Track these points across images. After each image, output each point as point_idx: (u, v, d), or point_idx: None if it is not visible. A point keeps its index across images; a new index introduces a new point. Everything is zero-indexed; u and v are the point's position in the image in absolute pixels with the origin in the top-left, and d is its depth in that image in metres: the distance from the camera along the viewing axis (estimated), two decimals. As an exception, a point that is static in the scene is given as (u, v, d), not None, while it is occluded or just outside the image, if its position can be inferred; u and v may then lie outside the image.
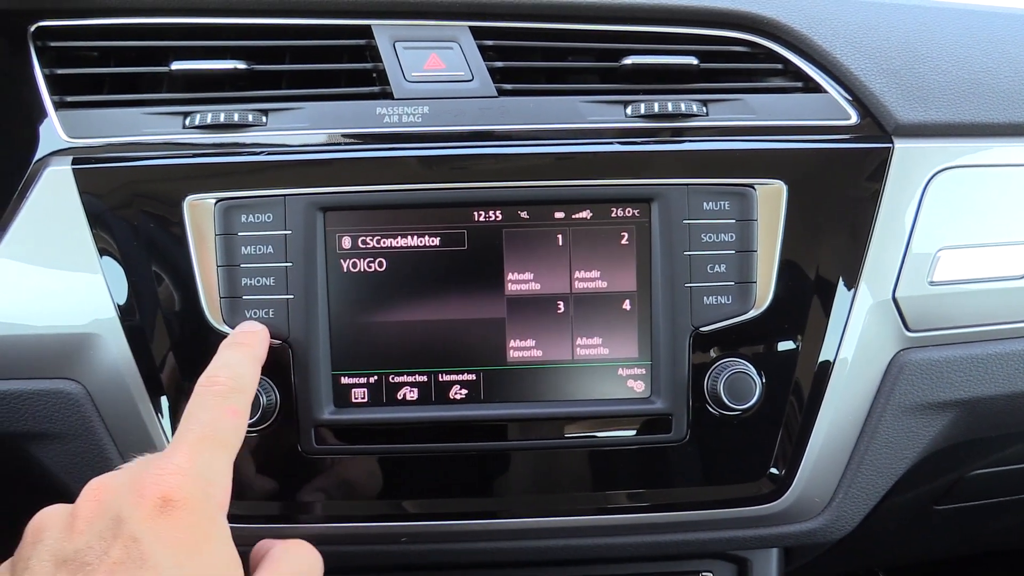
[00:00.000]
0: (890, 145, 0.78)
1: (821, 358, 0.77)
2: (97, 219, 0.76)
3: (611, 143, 0.77)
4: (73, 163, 0.76)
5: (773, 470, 0.78)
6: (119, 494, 0.52)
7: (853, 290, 0.77)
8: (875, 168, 0.78)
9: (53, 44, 0.80)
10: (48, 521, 0.53)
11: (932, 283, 0.78)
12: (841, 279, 0.77)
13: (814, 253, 0.77)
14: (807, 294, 0.77)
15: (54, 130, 0.78)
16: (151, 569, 0.48)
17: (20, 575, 0.51)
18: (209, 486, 0.54)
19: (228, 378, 0.62)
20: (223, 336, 0.74)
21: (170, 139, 0.78)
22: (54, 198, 0.76)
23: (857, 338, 0.77)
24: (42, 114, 0.79)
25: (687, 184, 0.75)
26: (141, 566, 0.48)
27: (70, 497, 0.80)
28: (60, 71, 0.80)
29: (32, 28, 0.80)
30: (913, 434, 0.81)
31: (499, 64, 0.80)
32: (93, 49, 0.82)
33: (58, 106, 0.79)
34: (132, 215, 0.75)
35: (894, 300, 0.78)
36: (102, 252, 0.76)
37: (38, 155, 0.78)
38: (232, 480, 0.57)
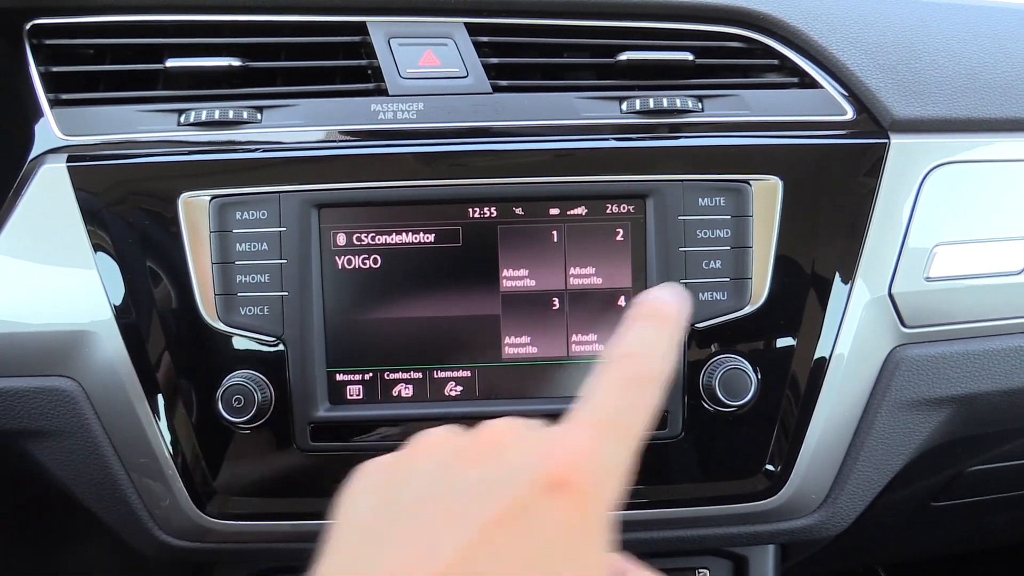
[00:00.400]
0: (886, 141, 0.78)
1: (817, 354, 0.77)
2: (92, 217, 0.76)
3: (606, 139, 0.77)
4: (68, 161, 0.76)
5: (769, 466, 0.78)
6: (517, 451, 0.47)
7: (849, 286, 0.77)
8: (871, 164, 0.78)
9: (48, 42, 0.80)
10: (441, 442, 0.49)
11: (928, 279, 0.78)
12: (837, 275, 0.77)
13: (810, 249, 0.77)
14: (803, 290, 0.77)
15: (49, 128, 0.78)
16: (525, 535, 0.43)
17: (400, 485, 0.47)
18: (608, 477, 0.47)
19: (648, 360, 0.52)
20: (218, 333, 0.74)
21: (165, 136, 0.78)
22: (49, 196, 0.76)
23: (853, 334, 0.77)
24: (37, 112, 0.79)
25: (682, 180, 0.75)
26: (517, 529, 0.43)
27: (69, 494, 0.81)
28: (55, 69, 0.80)
29: (28, 26, 0.80)
30: (909, 430, 0.81)
31: (494, 60, 0.79)
32: (88, 47, 0.82)
33: (53, 104, 0.79)
34: (127, 212, 0.75)
35: (890, 296, 0.78)
36: (97, 249, 0.76)
37: (33, 153, 0.78)
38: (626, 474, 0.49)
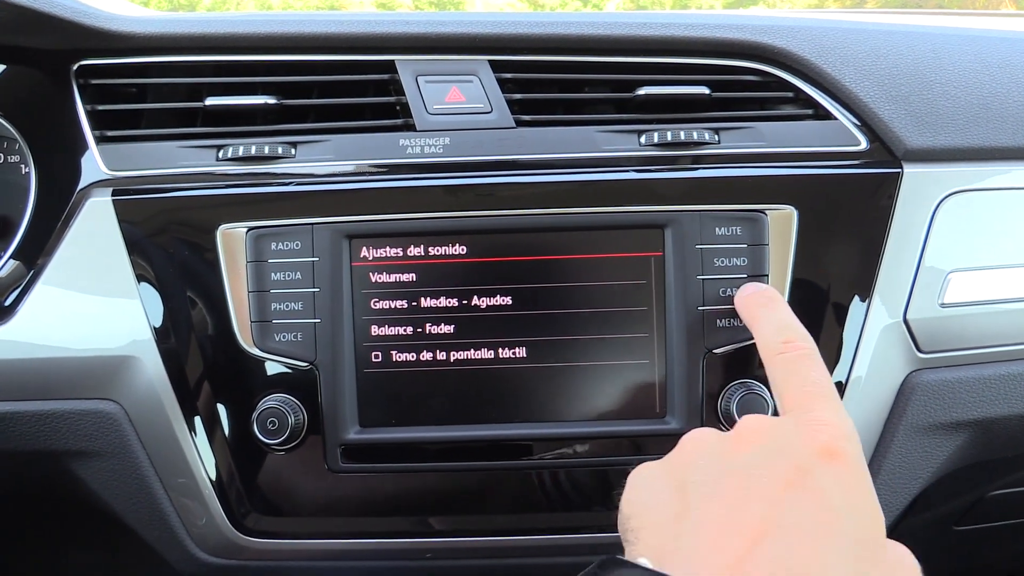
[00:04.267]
0: (899, 170, 0.80)
1: (833, 379, 0.78)
2: (135, 247, 0.79)
3: (626, 171, 0.80)
4: (113, 194, 0.80)
5: (787, 489, 0.79)
6: (783, 433, 0.53)
7: (864, 312, 0.79)
8: (885, 193, 0.79)
9: (94, 81, 0.84)
10: (708, 436, 0.55)
11: (943, 305, 0.80)
12: (852, 302, 0.78)
13: (825, 277, 0.78)
14: (819, 316, 0.78)
15: (95, 163, 0.82)
16: (813, 494, 0.47)
17: (686, 472, 0.52)
18: (857, 441, 0.54)
19: (802, 339, 0.62)
20: (253, 358, 0.78)
21: (204, 171, 0.81)
22: (95, 227, 0.80)
23: (869, 359, 0.78)
24: (84, 147, 0.83)
25: (700, 210, 0.77)
26: (804, 490, 0.48)
27: (108, 512, 0.84)
28: (101, 107, 0.84)
29: (75, 67, 0.84)
30: (927, 454, 0.82)
31: (517, 96, 0.82)
32: (132, 86, 0.86)
33: (99, 140, 0.83)
34: (168, 243, 0.79)
35: (905, 322, 0.79)
36: (140, 278, 0.79)
37: (80, 186, 0.82)
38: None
